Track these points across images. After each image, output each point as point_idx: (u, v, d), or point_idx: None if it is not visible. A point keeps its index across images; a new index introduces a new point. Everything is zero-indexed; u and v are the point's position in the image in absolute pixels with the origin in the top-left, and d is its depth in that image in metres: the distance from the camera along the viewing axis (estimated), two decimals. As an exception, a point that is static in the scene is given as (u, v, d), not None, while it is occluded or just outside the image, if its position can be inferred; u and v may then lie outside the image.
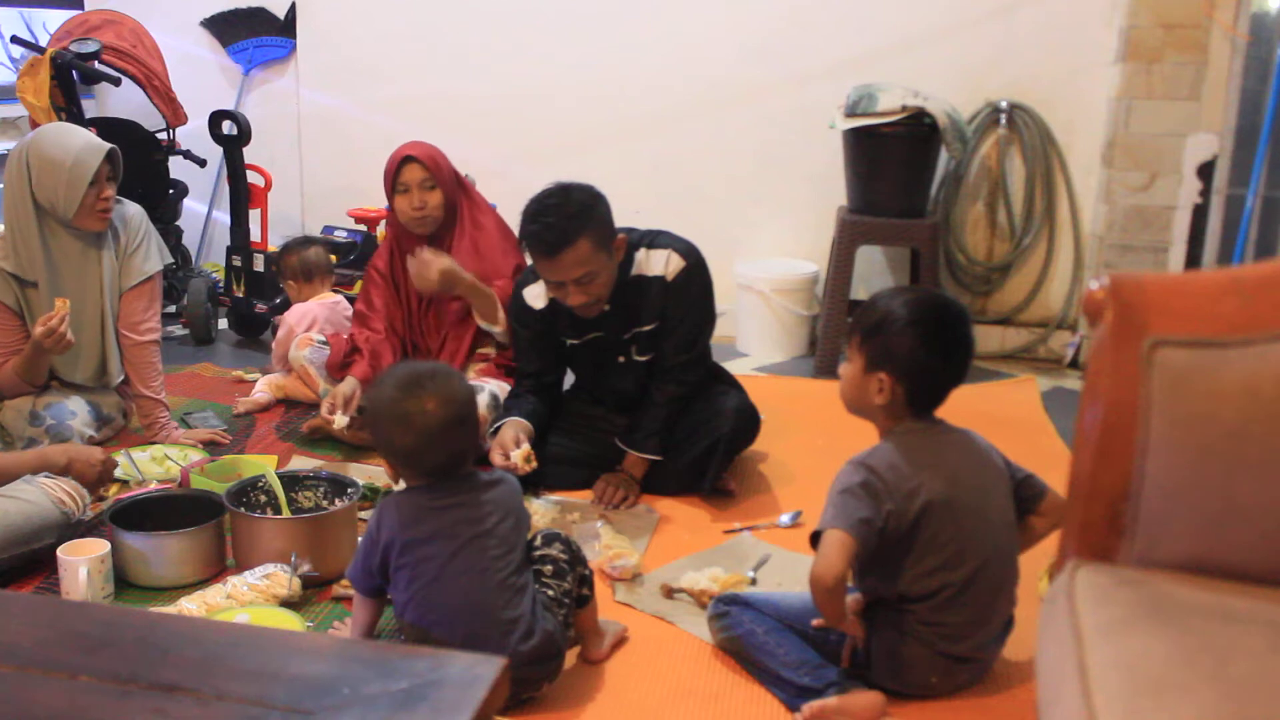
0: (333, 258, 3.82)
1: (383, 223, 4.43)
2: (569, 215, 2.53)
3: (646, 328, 2.79)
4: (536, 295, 2.83)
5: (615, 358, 2.86)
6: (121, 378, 3.12)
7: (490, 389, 2.96)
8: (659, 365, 2.82)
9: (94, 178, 2.87)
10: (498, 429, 2.74)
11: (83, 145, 2.89)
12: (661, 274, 2.74)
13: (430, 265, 2.94)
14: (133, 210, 3.11)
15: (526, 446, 2.62)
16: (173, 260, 3.50)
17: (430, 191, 3.05)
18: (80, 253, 2.99)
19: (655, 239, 2.79)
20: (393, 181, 3.06)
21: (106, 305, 3.05)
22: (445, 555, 1.86)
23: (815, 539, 1.86)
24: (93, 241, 3.00)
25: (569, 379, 3.05)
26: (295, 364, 3.36)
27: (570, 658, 2.04)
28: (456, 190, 3.14)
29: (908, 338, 1.89)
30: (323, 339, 3.32)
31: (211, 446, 3.09)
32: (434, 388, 1.85)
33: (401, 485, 1.99)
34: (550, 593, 1.96)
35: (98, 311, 3.03)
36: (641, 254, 2.76)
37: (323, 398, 3.18)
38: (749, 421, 2.90)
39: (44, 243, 2.94)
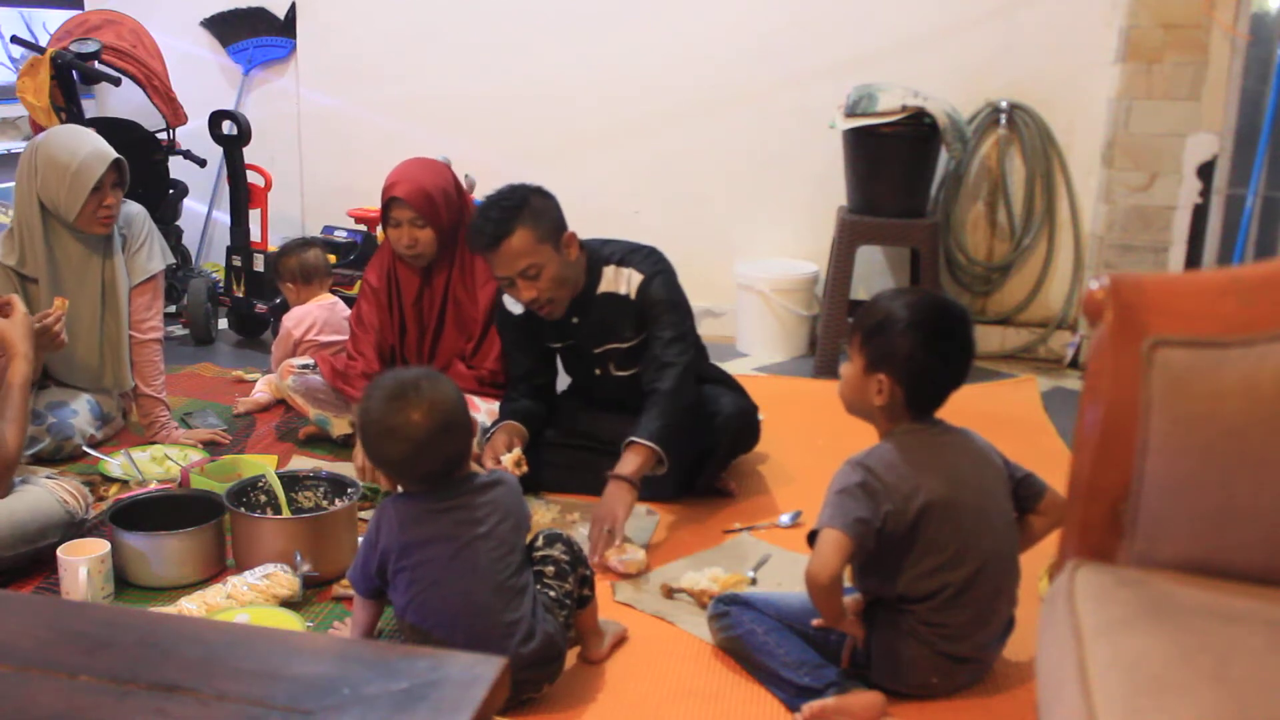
0: (331, 258, 3.81)
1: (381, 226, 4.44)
2: (505, 208, 2.59)
3: (623, 345, 2.79)
4: (515, 300, 2.84)
5: (592, 370, 2.87)
6: (132, 384, 3.11)
7: (479, 419, 2.89)
8: (653, 358, 2.73)
9: (97, 184, 2.87)
10: (491, 433, 2.75)
11: (89, 151, 2.88)
12: (627, 293, 2.74)
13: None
14: (135, 210, 3.12)
15: (518, 451, 2.62)
16: (174, 260, 3.49)
17: (421, 230, 2.95)
18: (83, 256, 2.99)
19: (626, 257, 2.77)
20: (384, 212, 2.99)
21: (121, 309, 3.05)
22: (445, 558, 1.86)
23: (813, 538, 1.86)
24: (97, 247, 3.00)
25: (565, 381, 3.05)
26: (283, 393, 3.33)
27: (570, 658, 2.03)
28: (455, 219, 3.01)
29: (908, 340, 1.89)
30: (304, 363, 3.22)
31: (211, 446, 3.09)
32: (418, 398, 1.84)
33: (400, 489, 1.98)
34: (552, 594, 1.96)
35: (96, 315, 3.03)
36: (610, 270, 2.76)
37: (314, 422, 3.16)
38: (749, 424, 2.90)
39: (48, 242, 2.95)
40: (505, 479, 2.00)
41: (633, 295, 2.73)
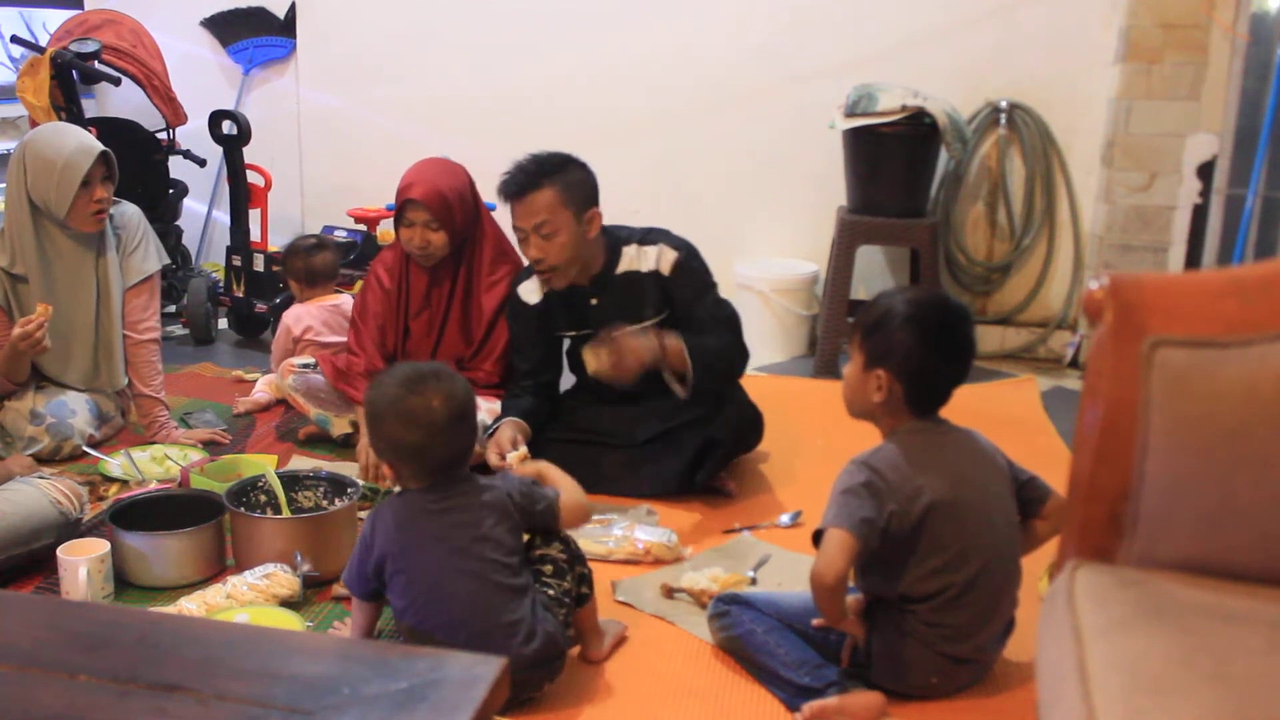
0: (334, 259, 3.81)
1: (383, 224, 4.44)
2: (541, 164, 2.67)
3: (644, 324, 2.79)
4: (531, 290, 2.85)
5: None
6: (125, 382, 3.11)
7: (480, 419, 2.89)
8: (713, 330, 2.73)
9: (86, 179, 2.87)
10: (494, 429, 2.74)
11: (75, 147, 2.88)
12: (655, 269, 2.76)
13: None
14: (130, 210, 3.12)
15: (523, 449, 2.62)
16: (170, 261, 3.49)
17: (435, 232, 2.94)
18: (76, 254, 2.99)
19: (647, 235, 2.82)
20: (399, 211, 2.98)
21: (114, 308, 3.05)
22: (442, 560, 1.85)
23: (817, 538, 1.86)
24: (91, 245, 3.00)
25: (568, 380, 3.04)
26: (284, 392, 3.32)
27: (570, 657, 2.03)
28: (470, 222, 3.02)
29: (906, 335, 1.89)
30: (305, 363, 3.21)
31: (211, 446, 3.09)
32: (436, 385, 1.86)
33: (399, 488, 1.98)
34: (550, 592, 1.96)
35: (91, 314, 3.03)
36: (632, 249, 2.79)
37: (315, 421, 3.15)
38: (751, 423, 2.89)
39: (38, 241, 2.95)
40: (504, 479, 2.00)
41: (665, 271, 2.77)
